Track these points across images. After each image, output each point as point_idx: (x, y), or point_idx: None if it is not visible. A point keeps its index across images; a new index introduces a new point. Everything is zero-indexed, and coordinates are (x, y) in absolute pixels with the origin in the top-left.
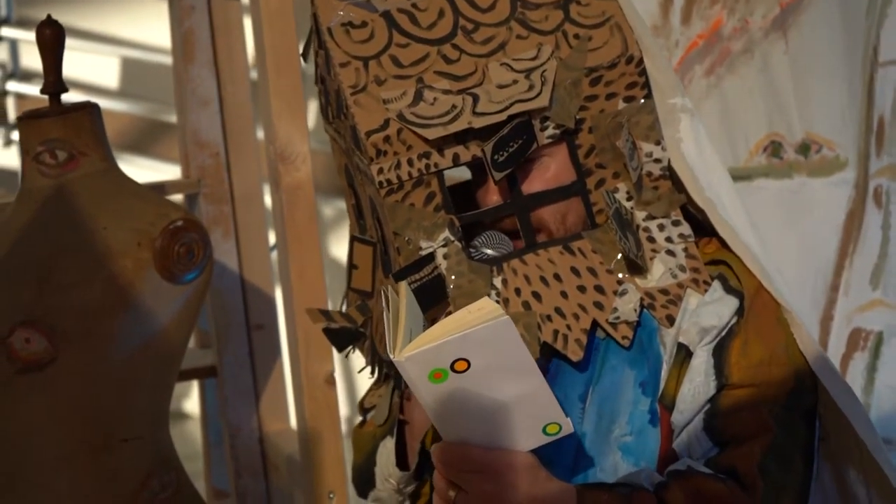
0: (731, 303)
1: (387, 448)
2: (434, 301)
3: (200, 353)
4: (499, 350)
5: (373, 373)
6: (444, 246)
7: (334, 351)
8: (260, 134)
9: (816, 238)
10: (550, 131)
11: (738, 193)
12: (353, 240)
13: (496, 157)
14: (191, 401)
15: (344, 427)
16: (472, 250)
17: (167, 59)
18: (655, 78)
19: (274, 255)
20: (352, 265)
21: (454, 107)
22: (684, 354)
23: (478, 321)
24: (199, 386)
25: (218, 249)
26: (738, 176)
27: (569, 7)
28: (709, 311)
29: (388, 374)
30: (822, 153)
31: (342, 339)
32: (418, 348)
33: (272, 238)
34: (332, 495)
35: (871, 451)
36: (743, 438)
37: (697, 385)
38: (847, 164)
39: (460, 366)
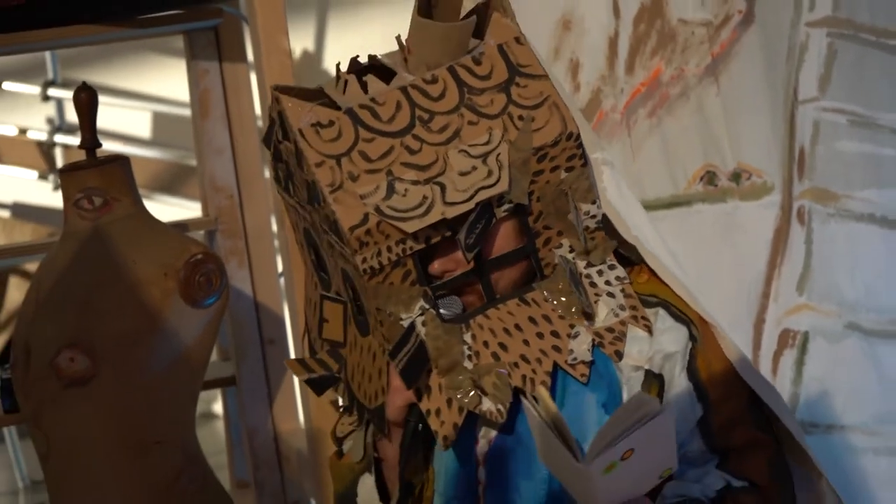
0: (683, 330)
1: (366, 484)
2: (423, 367)
3: (222, 365)
4: (659, 434)
5: (350, 413)
6: (421, 315)
7: None
8: (268, 176)
9: (749, 253)
10: (506, 206)
11: (655, 230)
12: (322, 298)
13: (468, 240)
14: (218, 403)
15: None
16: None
17: (189, 113)
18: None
19: (282, 281)
20: (322, 319)
21: (425, 198)
22: (653, 377)
23: (644, 415)
24: (222, 393)
25: (234, 277)
26: (679, 202)
27: (510, 89)
28: (667, 338)
29: (368, 419)
30: (752, 180)
31: (321, 385)
32: (601, 452)
33: (280, 266)
34: None
35: (795, 437)
36: (744, 448)
37: (685, 408)
38: (773, 189)
39: (627, 454)
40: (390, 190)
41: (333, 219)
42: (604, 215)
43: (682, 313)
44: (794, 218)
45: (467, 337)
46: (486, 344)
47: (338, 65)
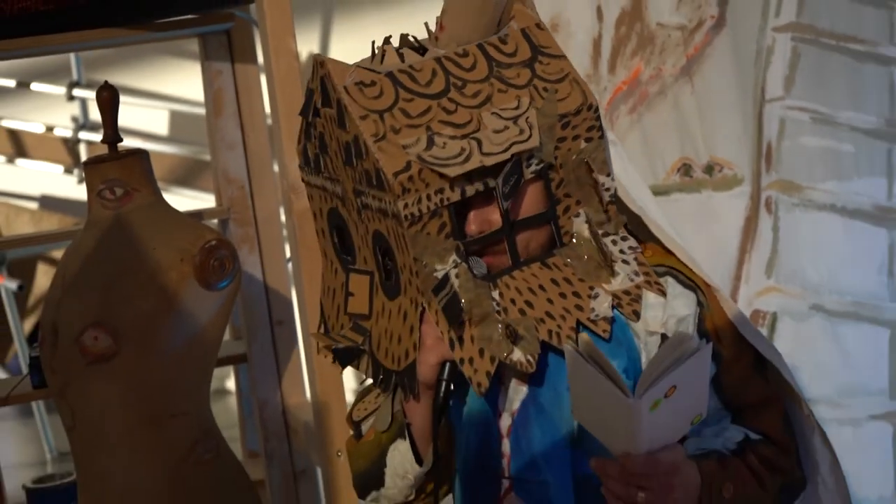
0: (691, 296)
1: (399, 450)
2: (458, 314)
3: (234, 343)
4: (698, 370)
5: (376, 384)
6: (454, 267)
7: None
8: (277, 169)
9: (722, 239)
10: (533, 168)
11: (657, 204)
12: (349, 271)
13: (504, 189)
14: (231, 380)
15: (349, 397)
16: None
17: (204, 111)
18: None
19: (289, 266)
20: (348, 294)
21: (463, 149)
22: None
23: (687, 350)
24: (234, 370)
25: (245, 262)
26: (659, 191)
27: (534, 66)
28: (678, 303)
29: (396, 385)
30: (724, 172)
31: (346, 357)
32: (649, 387)
33: (288, 252)
34: (339, 453)
35: (795, 389)
36: (757, 405)
37: None
38: (743, 181)
39: (670, 392)
40: (430, 142)
41: (377, 167)
42: (615, 189)
43: (689, 280)
44: (762, 207)
45: (495, 294)
46: (513, 301)
47: (373, 42)
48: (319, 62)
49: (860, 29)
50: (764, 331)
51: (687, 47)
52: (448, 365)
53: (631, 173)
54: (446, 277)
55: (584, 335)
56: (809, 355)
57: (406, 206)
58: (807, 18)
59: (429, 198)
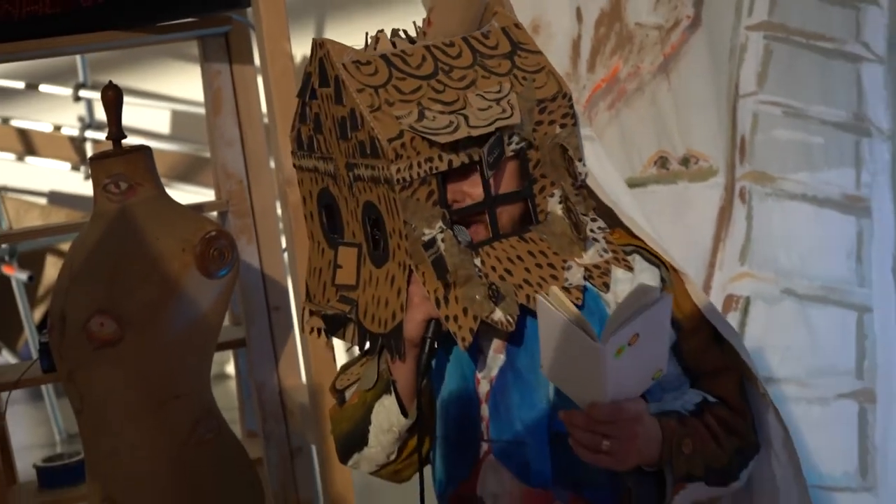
0: (655, 271)
1: (385, 405)
2: (445, 271)
3: (234, 328)
4: (659, 321)
5: (361, 349)
6: (441, 233)
7: None
8: (273, 165)
9: (697, 228)
10: (514, 146)
11: (633, 197)
12: (338, 244)
13: (488, 158)
14: (230, 365)
15: None
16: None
17: (203, 110)
18: None
19: (285, 255)
20: (336, 266)
21: (451, 122)
22: None
23: (649, 300)
24: (234, 354)
25: (243, 252)
26: (636, 183)
27: (513, 58)
28: (644, 276)
29: (382, 346)
30: (699, 164)
31: (334, 324)
32: (614, 332)
33: (284, 242)
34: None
35: (751, 369)
36: (715, 372)
37: None
38: (718, 172)
39: (633, 339)
40: (421, 115)
41: (372, 135)
42: (586, 174)
43: (654, 257)
44: (736, 197)
45: (477, 261)
46: (493, 269)
47: (367, 34)
48: (319, 43)
49: (829, 28)
50: (737, 314)
51: (664, 46)
52: (433, 323)
53: (607, 168)
54: (433, 240)
55: (553, 287)
56: (781, 337)
57: (398, 170)
58: (778, 18)
59: (419, 165)
